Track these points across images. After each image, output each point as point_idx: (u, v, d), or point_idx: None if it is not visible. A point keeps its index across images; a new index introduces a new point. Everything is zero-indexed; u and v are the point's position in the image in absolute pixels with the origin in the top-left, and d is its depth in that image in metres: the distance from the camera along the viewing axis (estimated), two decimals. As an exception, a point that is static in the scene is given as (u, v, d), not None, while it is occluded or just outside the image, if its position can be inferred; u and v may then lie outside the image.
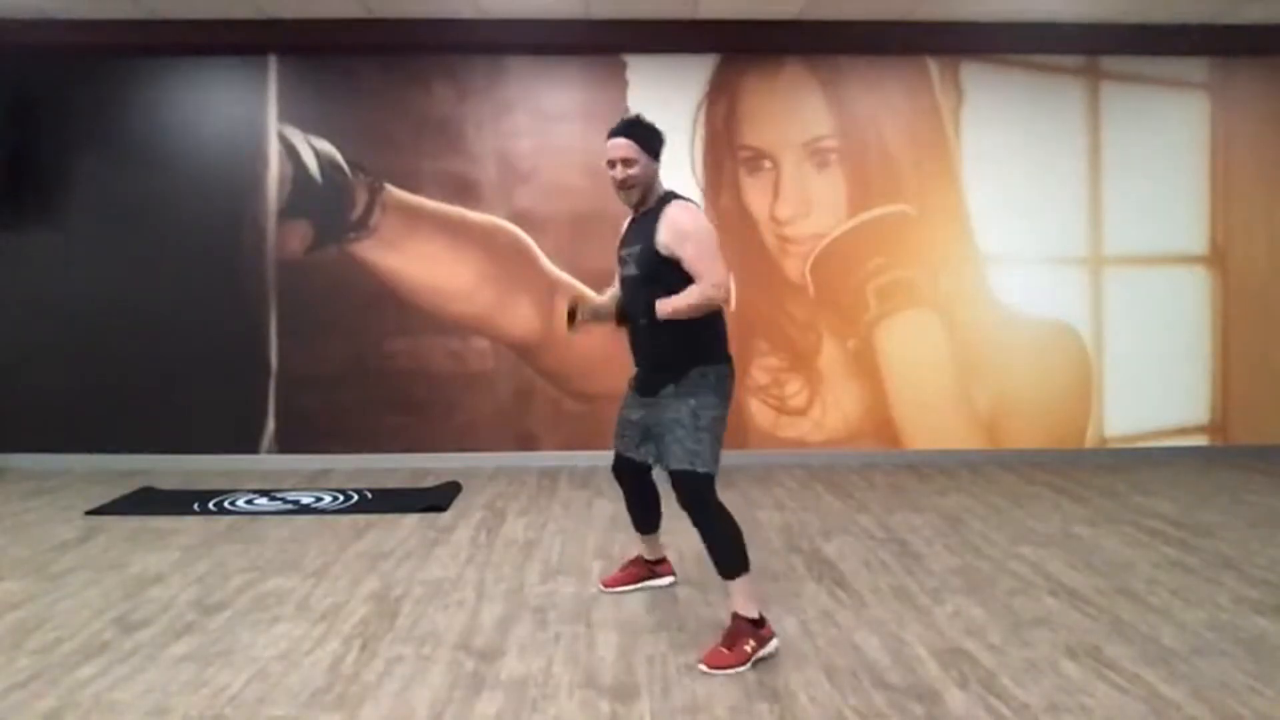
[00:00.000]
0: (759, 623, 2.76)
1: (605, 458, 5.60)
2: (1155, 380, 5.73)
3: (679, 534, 4.10)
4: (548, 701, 2.49)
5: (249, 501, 4.72)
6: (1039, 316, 5.69)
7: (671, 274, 2.79)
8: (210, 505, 4.63)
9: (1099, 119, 5.69)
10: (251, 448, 5.61)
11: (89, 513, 4.51)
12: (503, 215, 5.60)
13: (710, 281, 2.72)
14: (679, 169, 5.56)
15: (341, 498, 4.81)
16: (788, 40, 5.51)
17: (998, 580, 3.45)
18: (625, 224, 3.09)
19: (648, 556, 3.41)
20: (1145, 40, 5.58)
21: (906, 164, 5.65)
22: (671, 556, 3.77)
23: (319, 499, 4.78)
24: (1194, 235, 5.75)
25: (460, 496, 4.85)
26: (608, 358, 5.62)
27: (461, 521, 4.35)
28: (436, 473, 5.39)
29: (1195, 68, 5.70)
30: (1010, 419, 5.70)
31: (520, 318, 5.62)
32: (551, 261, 5.60)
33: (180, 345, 5.57)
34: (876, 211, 5.64)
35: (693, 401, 2.79)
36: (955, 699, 2.48)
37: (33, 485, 5.12)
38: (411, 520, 4.36)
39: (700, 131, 5.59)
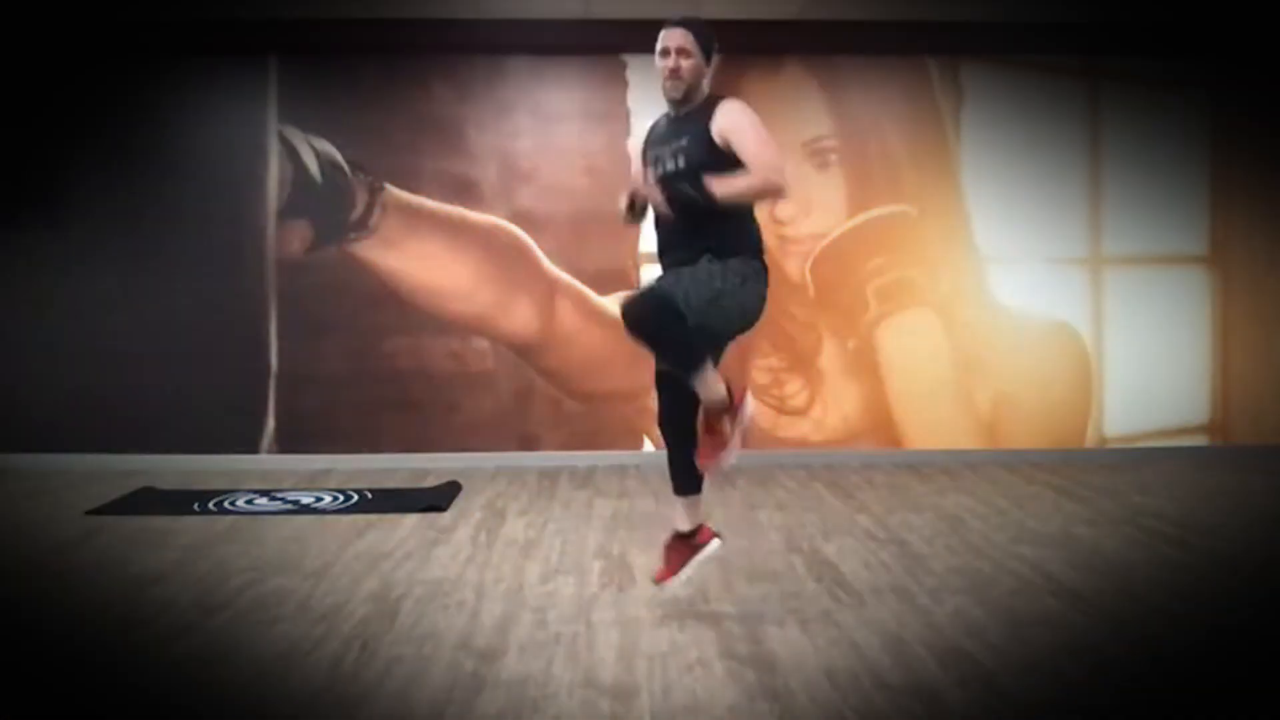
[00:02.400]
0: (730, 397, 2.75)
1: (605, 458, 5.65)
2: (1155, 380, 5.73)
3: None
4: (548, 701, 2.48)
5: (249, 501, 4.72)
6: (1039, 316, 5.69)
7: (724, 167, 2.72)
8: (210, 505, 4.63)
9: (1099, 119, 5.69)
10: (251, 448, 5.61)
11: (89, 513, 4.50)
12: (503, 215, 5.60)
13: (773, 166, 2.67)
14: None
15: (341, 498, 4.81)
16: (787, 40, 5.51)
17: (998, 580, 3.45)
18: (651, 127, 3.03)
19: (681, 528, 3.12)
20: (1145, 40, 5.58)
21: (906, 164, 5.65)
22: (671, 556, 3.77)
23: (319, 499, 4.78)
24: (1194, 235, 5.75)
25: (460, 496, 4.84)
26: (608, 358, 5.62)
27: (461, 521, 4.35)
28: (436, 473, 5.39)
29: (1195, 68, 5.70)
30: (1010, 419, 5.70)
31: (520, 318, 5.61)
32: (551, 261, 5.60)
33: (180, 345, 5.57)
34: (876, 211, 5.64)
35: (720, 266, 2.71)
36: (955, 699, 2.48)
37: (33, 485, 5.12)
38: (411, 520, 4.36)
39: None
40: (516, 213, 5.60)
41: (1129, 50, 5.64)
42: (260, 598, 3.30)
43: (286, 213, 5.57)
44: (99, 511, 4.53)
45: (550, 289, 5.61)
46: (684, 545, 3.11)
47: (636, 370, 5.58)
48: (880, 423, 5.68)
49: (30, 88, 5.53)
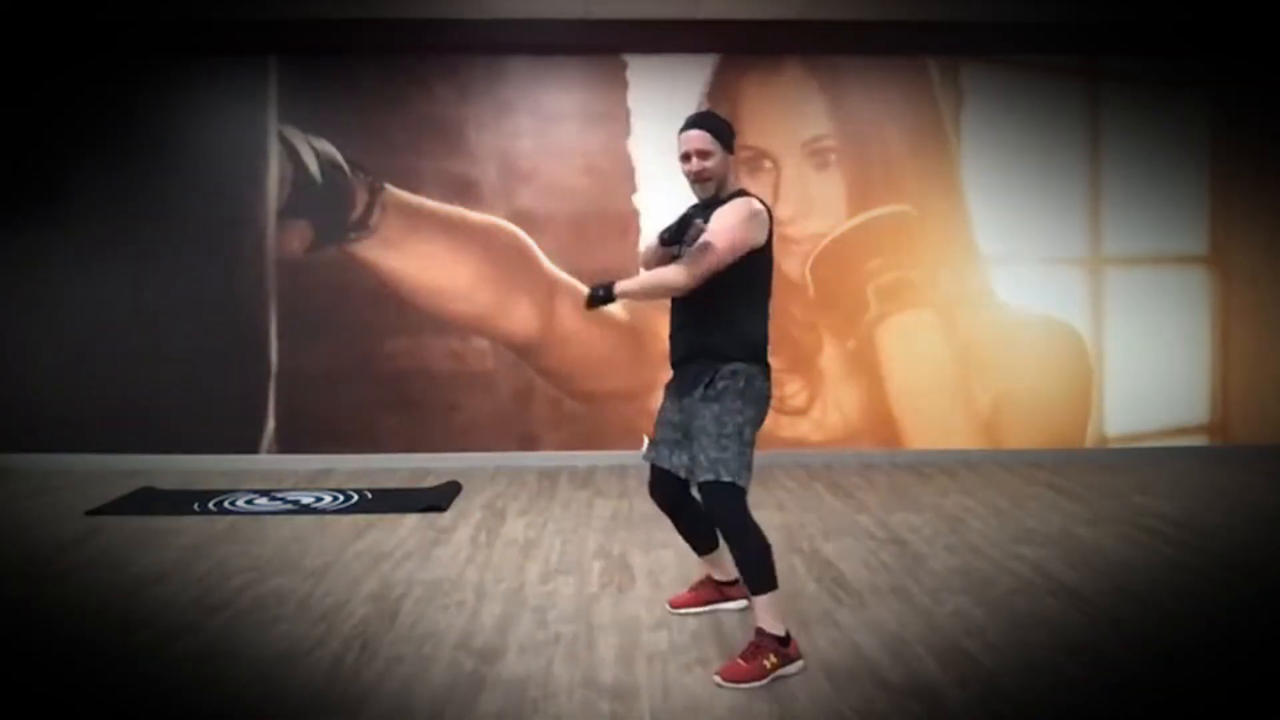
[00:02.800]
0: (784, 640, 2.67)
1: (605, 458, 5.65)
2: (1155, 380, 5.73)
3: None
4: (548, 701, 2.49)
5: (249, 501, 4.72)
6: (1039, 316, 5.69)
7: (729, 270, 2.68)
8: (210, 505, 4.63)
9: (1099, 119, 5.69)
10: (251, 448, 5.61)
11: (89, 513, 4.51)
12: (503, 215, 5.60)
13: (686, 267, 2.64)
14: (679, 169, 5.55)
15: (341, 498, 4.81)
16: (788, 40, 5.51)
17: (998, 580, 3.45)
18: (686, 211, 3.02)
19: (717, 577, 3.17)
20: (1145, 40, 5.58)
21: (906, 164, 5.65)
22: (670, 556, 3.78)
23: (319, 499, 4.79)
24: (1194, 235, 5.75)
25: (460, 496, 4.85)
26: (608, 358, 5.62)
27: (461, 521, 4.35)
28: (436, 473, 5.39)
29: (1195, 68, 5.70)
30: (1010, 419, 5.70)
31: (520, 318, 5.61)
32: (551, 261, 5.60)
33: (180, 345, 5.57)
34: (876, 211, 5.64)
35: (717, 407, 2.69)
36: (955, 699, 2.48)
37: (33, 485, 5.12)
38: (411, 520, 4.36)
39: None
40: (516, 213, 5.60)
41: (1129, 50, 5.64)
42: (260, 598, 3.30)
43: (286, 213, 5.57)
44: (99, 511, 4.53)
45: (550, 289, 5.61)
46: (714, 588, 3.17)
47: (636, 370, 5.59)
48: (880, 423, 5.68)
49: (30, 88, 5.53)
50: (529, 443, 5.65)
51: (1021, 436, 5.69)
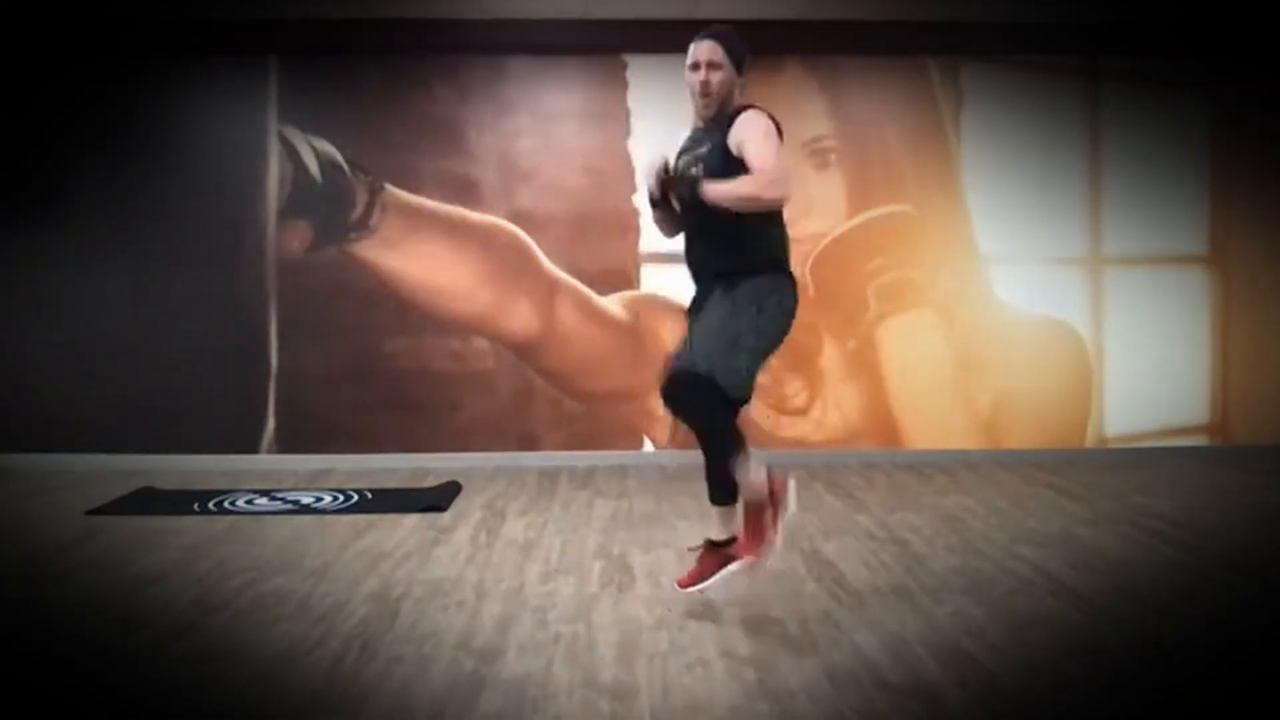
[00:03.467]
0: (769, 499, 2.70)
1: (605, 458, 5.65)
2: (1155, 380, 5.73)
3: (681, 531, 4.11)
4: (548, 701, 2.48)
5: (249, 501, 4.72)
6: (1039, 316, 5.69)
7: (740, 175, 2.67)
8: (210, 505, 4.63)
9: (1099, 119, 5.69)
10: (251, 448, 5.61)
11: (89, 513, 4.50)
12: (503, 215, 5.60)
13: (767, 176, 2.57)
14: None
15: (341, 498, 4.81)
16: (788, 40, 5.51)
17: (998, 580, 3.45)
18: (686, 138, 2.98)
19: (715, 537, 3.05)
20: (1145, 40, 5.58)
21: (906, 164, 5.65)
22: (670, 556, 3.77)
23: (319, 499, 4.79)
24: (1194, 235, 5.75)
25: (460, 496, 4.84)
26: (608, 358, 5.62)
27: (461, 521, 4.35)
28: (436, 473, 5.39)
29: (1195, 68, 5.70)
30: (1010, 419, 5.70)
31: (520, 318, 5.61)
32: (551, 261, 5.60)
33: (180, 345, 5.57)
34: (876, 211, 5.64)
35: (729, 305, 2.64)
36: (955, 699, 2.48)
37: (33, 485, 5.12)
38: (411, 520, 4.36)
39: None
40: (516, 213, 5.60)
41: (1129, 50, 5.64)
42: (260, 598, 3.30)
43: (286, 213, 5.57)
44: (99, 511, 4.53)
45: (550, 289, 5.61)
46: (715, 554, 3.05)
47: (636, 370, 5.59)
48: (880, 423, 5.68)
49: (30, 88, 5.53)
50: (529, 443, 5.65)
51: (1021, 436, 5.69)
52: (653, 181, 2.89)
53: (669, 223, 3.01)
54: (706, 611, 3.14)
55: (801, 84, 5.61)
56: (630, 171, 5.60)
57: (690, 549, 3.18)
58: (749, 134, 2.68)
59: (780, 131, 2.76)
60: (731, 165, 2.72)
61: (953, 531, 4.12)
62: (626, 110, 5.59)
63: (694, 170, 2.75)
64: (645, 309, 5.61)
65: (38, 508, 4.63)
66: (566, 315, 5.61)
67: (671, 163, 2.93)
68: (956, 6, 5.28)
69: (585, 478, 5.32)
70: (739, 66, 2.79)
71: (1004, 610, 3.14)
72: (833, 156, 5.61)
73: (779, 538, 2.63)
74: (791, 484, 2.75)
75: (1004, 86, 5.66)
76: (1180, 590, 3.32)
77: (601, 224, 5.60)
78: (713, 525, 3.08)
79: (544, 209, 5.60)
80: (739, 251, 2.73)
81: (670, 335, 5.60)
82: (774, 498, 2.71)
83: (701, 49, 2.77)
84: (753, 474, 2.74)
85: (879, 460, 5.66)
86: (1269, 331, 5.77)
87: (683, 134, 3.01)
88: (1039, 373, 5.70)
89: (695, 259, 2.87)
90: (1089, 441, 5.73)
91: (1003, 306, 5.68)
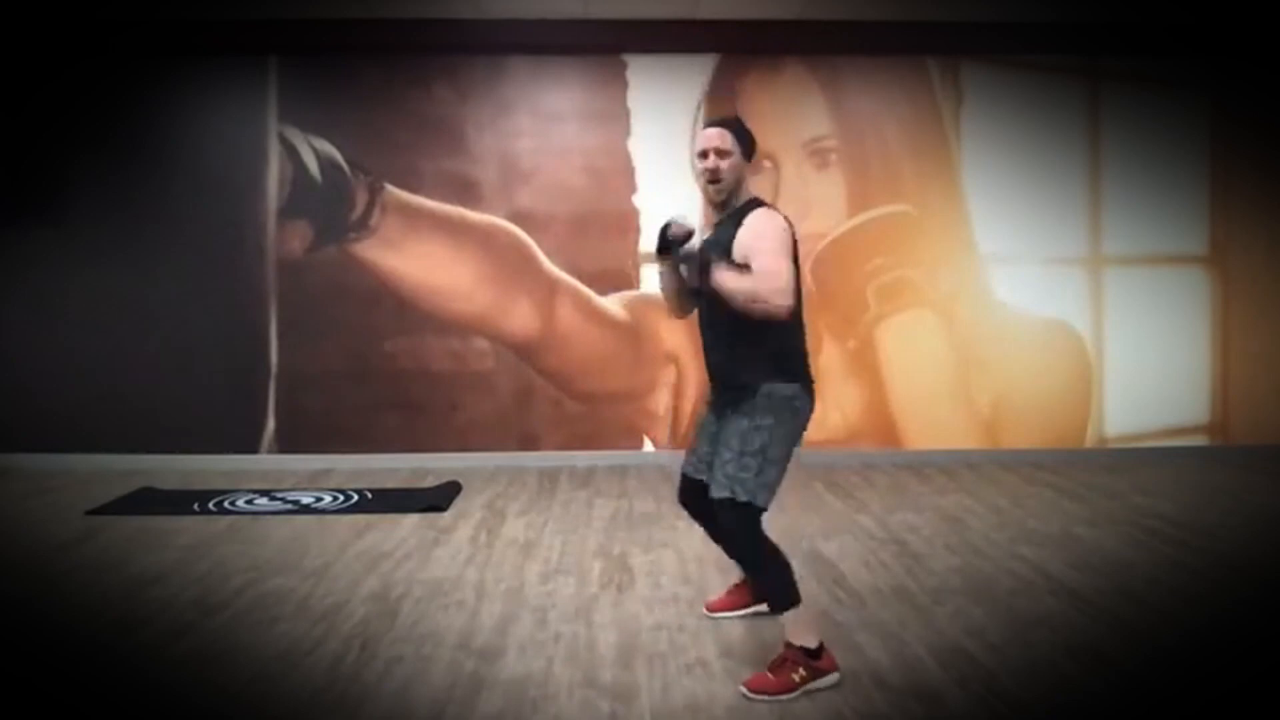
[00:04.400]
0: (814, 653, 2.58)
1: (605, 458, 5.65)
2: (1155, 380, 5.73)
3: (681, 531, 4.11)
4: (548, 701, 2.49)
5: (249, 501, 4.72)
6: (1039, 316, 5.69)
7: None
8: (210, 505, 4.63)
9: (1099, 119, 5.69)
10: (251, 448, 5.61)
11: (89, 513, 4.51)
12: (503, 215, 5.60)
13: (768, 283, 2.46)
14: (679, 169, 5.56)
15: (341, 498, 4.81)
16: (788, 40, 5.51)
17: (998, 580, 3.45)
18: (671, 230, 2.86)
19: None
20: (1145, 40, 5.58)
21: (906, 164, 5.65)
22: (670, 556, 3.78)
23: (319, 499, 4.79)
24: (1194, 235, 5.75)
25: (460, 496, 4.85)
26: (608, 358, 5.62)
27: (461, 521, 4.35)
28: (436, 473, 5.39)
29: (1195, 68, 5.70)
30: (1010, 419, 5.70)
31: (520, 318, 5.61)
32: (551, 261, 5.60)
33: (180, 345, 5.57)
34: (876, 211, 5.64)
35: (745, 422, 2.60)
36: (955, 699, 2.48)
37: (33, 485, 5.12)
38: (411, 520, 4.36)
39: (700, 132, 5.58)
40: (516, 213, 5.60)
41: (1129, 50, 5.64)
42: (260, 598, 3.30)
43: (286, 213, 5.57)
44: (99, 511, 4.53)
45: (550, 289, 5.61)
46: (750, 591, 3.07)
47: (636, 370, 5.59)
48: (880, 423, 5.68)
49: (30, 88, 5.53)
50: (529, 443, 5.65)
51: (1021, 436, 5.69)
52: (660, 263, 2.77)
53: (679, 299, 2.88)
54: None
55: (801, 84, 5.61)
56: (630, 171, 5.60)
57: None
58: (756, 234, 2.60)
59: (794, 233, 2.68)
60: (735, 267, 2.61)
61: (953, 531, 4.13)
62: (626, 110, 5.59)
63: (706, 254, 2.61)
64: (645, 309, 5.61)
65: (38, 508, 4.64)
66: (566, 315, 5.61)
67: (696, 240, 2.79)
68: (956, 6, 5.28)
69: (585, 478, 5.32)
70: (748, 154, 2.75)
71: (1004, 610, 3.14)
72: (833, 156, 5.61)
73: (798, 695, 2.52)
74: (836, 676, 2.61)
75: (1004, 86, 5.66)
76: (1180, 590, 3.32)
77: (601, 224, 5.60)
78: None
79: (544, 209, 5.60)
80: (758, 356, 2.64)
81: (670, 335, 5.61)
82: (816, 665, 2.59)
83: (710, 135, 2.72)
84: (803, 618, 2.63)
85: (879, 460, 5.66)
86: (1269, 331, 5.77)
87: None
88: (1039, 373, 5.70)
89: (712, 359, 2.79)
90: (1089, 441, 5.73)
91: (1003, 306, 5.68)
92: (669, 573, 3.58)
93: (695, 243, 2.58)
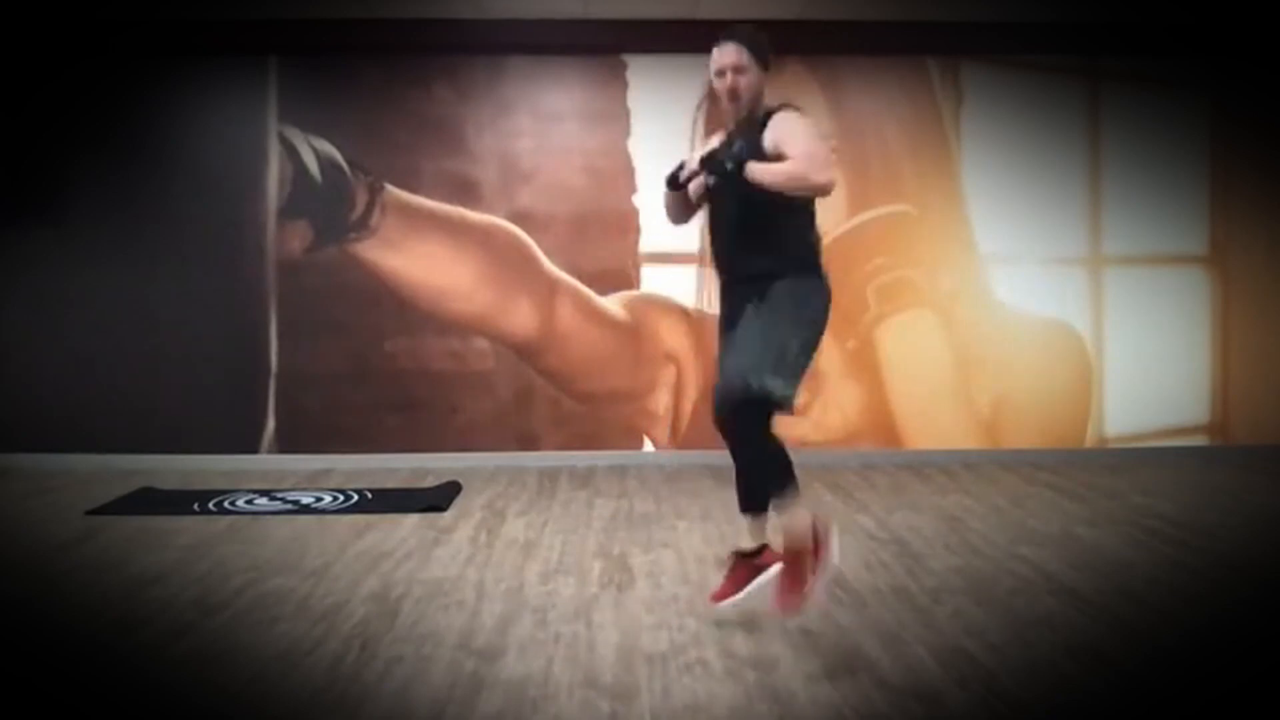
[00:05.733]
0: (809, 549, 2.60)
1: (605, 458, 5.65)
2: (1155, 380, 5.73)
3: (681, 531, 4.11)
4: (548, 701, 2.49)
5: (249, 501, 4.72)
6: (1039, 316, 5.69)
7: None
8: (210, 505, 4.63)
9: (1099, 119, 5.69)
10: (251, 448, 5.61)
11: (89, 513, 4.50)
12: (503, 215, 5.60)
13: (817, 160, 2.51)
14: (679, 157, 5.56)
15: (341, 498, 4.81)
16: (788, 41, 5.47)
17: (998, 580, 3.45)
18: (712, 140, 2.91)
19: (744, 548, 2.93)
20: (1145, 40, 5.58)
21: (906, 164, 5.65)
22: (670, 556, 3.78)
23: (319, 499, 4.78)
24: (1194, 235, 5.75)
25: (460, 496, 4.84)
26: (608, 358, 5.62)
27: (461, 521, 4.35)
28: (436, 473, 5.39)
29: (1195, 68, 5.70)
30: (1010, 419, 5.70)
31: (520, 318, 5.61)
32: (551, 261, 5.60)
33: (180, 345, 5.57)
34: (876, 211, 5.63)
35: (769, 313, 2.57)
36: (955, 699, 2.48)
37: (33, 485, 5.12)
38: (411, 520, 4.36)
39: (700, 131, 5.59)
40: (516, 213, 5.60)
41: (1129, 50, 5.64)
42: (260, 598, 3.30)
43: (286, 213, 5.57)
44: (99, 511, 4.53)
45: (550, 289, 5.61)
46: (745, 566, 2.93)
47: (636, 370, 5.59)
48: (880, 423, 5.68)
49: (30, 88, 5.53)
50: (529, 443, 5.65)
51: (1021, 436, 5.69)
52: (692, 165, 2.78)
53: (680, 208, 2.94)
54: (706, 612, 3.14)
55: (801, 84, 5.61)
56: (630, 171, 5.60)
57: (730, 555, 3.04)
58: (788, 129, 2.63)
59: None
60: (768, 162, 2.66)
61: (953, 531, 4.12)
62: (626, 110, 5.59)
63: (735, 148, 2.67)
64: (645, 309, 5.61)
65: (38, 508, 4.63)
66: (566, 315, 5.61)
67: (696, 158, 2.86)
68: (956, 6, 5.27)
69: (585, 478, 5.32)
70: (764, 66, 2.73)
71: (1004, 610, 3.14)
72: (833, 156, 5.60)
73: (820, 588, 2.50)
74: (835, 532, 2.62)
75: (1004, 86, 5.66)
76: (1180, 590, 3.32)
77: (601, 224, 5.60)
78: (742, 535, 2.98)
79: (544, 209, 5.60)
80: (774, 250, 2.67)
81: (670, 335, 5.61)
82: (817, 546, 2.60)
83: (726, 53, 2.70)
84: (798, 517, 2.65)
85: (879, 460, 5.65)
86: (1269, 331, 5.77)
87: (713, 141, 2.95)
88: (1039, 373, 5.70)
89: (725, 257, 2.79)
90: (1089, 441, 5.73)
91: (1003, 306, 5.68)
92: (669, 573, 3.58)
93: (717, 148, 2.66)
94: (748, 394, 2.55)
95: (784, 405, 2.57)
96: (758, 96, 2.73)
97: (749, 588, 2.87)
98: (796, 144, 2.59)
